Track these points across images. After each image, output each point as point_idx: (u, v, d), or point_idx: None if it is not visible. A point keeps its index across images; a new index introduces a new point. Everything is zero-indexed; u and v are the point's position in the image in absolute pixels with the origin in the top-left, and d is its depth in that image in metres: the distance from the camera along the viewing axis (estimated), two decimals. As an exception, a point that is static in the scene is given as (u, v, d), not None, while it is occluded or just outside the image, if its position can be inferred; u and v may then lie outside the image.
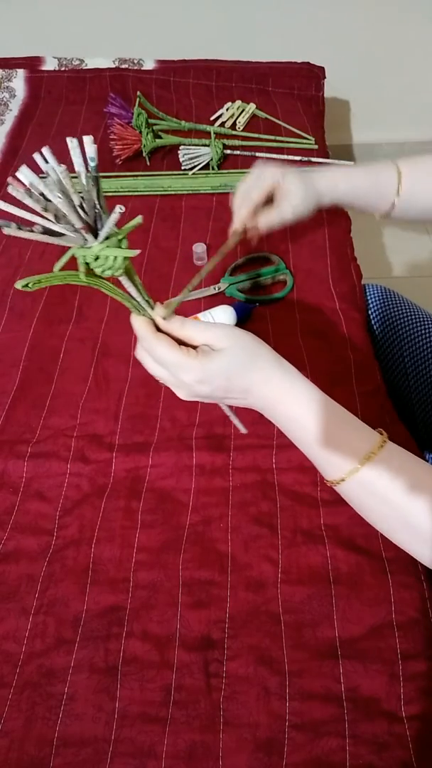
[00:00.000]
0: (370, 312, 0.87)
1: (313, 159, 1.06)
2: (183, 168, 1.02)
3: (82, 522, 0.61)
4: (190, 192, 0.99)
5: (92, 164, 0.34)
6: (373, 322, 0.86)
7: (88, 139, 0.34)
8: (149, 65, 1.29)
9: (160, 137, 1.07)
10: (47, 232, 0.36)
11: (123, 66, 1.28)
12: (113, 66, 1.28)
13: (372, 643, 0.52)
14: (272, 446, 0.66)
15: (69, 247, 0.38)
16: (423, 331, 0.83)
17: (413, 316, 0.85)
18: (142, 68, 1.28)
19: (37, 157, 0.34)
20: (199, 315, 0.75)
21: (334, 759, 0.47)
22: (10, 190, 0.33)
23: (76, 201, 0.35)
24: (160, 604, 0.55)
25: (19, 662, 0.53)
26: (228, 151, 1.07)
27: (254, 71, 1.25)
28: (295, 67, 1.26)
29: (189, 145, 1.06)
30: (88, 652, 0.53)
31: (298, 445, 0.46)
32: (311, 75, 1.26)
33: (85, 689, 0.51)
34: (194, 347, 0.45)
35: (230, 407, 0.53)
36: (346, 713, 0.49)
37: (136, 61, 1.29)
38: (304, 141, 1.11)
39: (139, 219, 0.39)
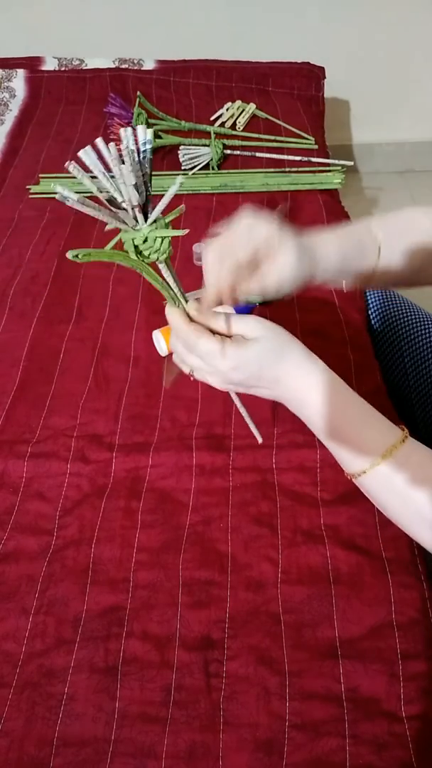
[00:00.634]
0: (370, 312, 0.87)
1: (313, 159, 1.06)
2: (183, 168, 1.02)
3: (82, 522, 0.61)
4: (190, 192, 0.99)
5: (148, 146, 0.36)
6: (373, 322, 0.86)
7: (142, 127, 0.36)
8: (149, 65, 1.29)
9: (160, 137, 1.07)
10: (105, 206, 0.37)
11: (123, 66, 1.28)
12: (113, 66, 1.28)
13: (372, 643, 0.52)
14: (272, 446, 0.66)
15: (114, 236, 0.39)
16: (423, 331, 0.83)
17: (413, 316, 0.85)
18: (142, 68, 1.28)
19: (99, 141, 0.35)
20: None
21: (334, 759, 0.47)
22: (71, 169, 0.34)
23: (133, 181, 0.36)
24: (160, 604, 0.55)
25: (19, 662, 0.53)
26: (228, 151, 1.07)
27: (254, 71, 1.25)
28: (295, 67, 1.26)
29: (189, 145, 1.06)
30: (88, 652, 0.53)
31: (320, 436, 0.47)
32: (311, 75, 1.26)
33: (85, 689, 0.51)
34: (228, 336, 0.46)
35: (250, 416, 0.55)
36: (346, 713, 0.49)
37: (136, 61, 1.29)
38: (304, 141, 1.11)
39: (182, 207, 0.41)
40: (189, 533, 0.60)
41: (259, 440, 0.58)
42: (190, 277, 0.85)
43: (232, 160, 1.07)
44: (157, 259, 0.42)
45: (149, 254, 0.41)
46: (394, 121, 1.77)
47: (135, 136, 0.36)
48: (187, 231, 0.40)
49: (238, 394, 0.53)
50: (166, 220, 0.40)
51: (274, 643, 0.53)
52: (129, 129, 0.36)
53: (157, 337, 0.74)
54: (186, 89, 1.23)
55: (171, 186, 0.36)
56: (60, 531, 0.61)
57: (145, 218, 0.39)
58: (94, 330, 0.79)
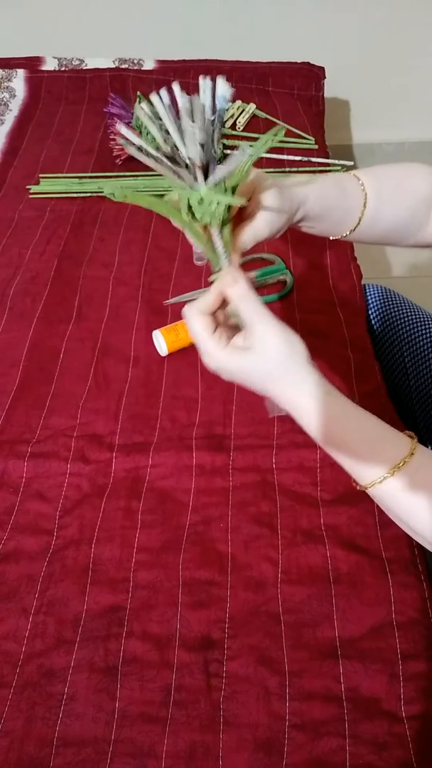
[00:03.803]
0: (370, 312, 0.87)
1: (313, 159, 1.06)
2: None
3: (82, 522, 0.61)
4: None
5: (225, 98, 0.34)
6: (373, 322, 0.86)
7: (222, 80, 0.34)
8: (149, 65, 1.29)
9: (160, 137, 1.07)
10: (165, 161, 0.36)
11: (123, 66, 1.28)
12: (113, 66, 1.28)
13: (372, 643, 0.52)
14: (272, 446, 0.66)
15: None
16: (423, 331, 0.83)
17: (413, 316, 0.85)
18: (142, 68, 1.28)
19: (175, 87, 0.34)
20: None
21: (334, 759, 0.47)
22: (138, 112, 0.33)
23: (200, 138, 0.34)
24: (160, 604, 0.55)
25: (19, 662, 0.53)
26: (228, 151, 1.07)
27: (254, 71, 1.25)
28: (295, 67, 1.26)
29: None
30: (88, 652, 0.53)
31: (329, 448, 0.47)
32: (311, 75, 1.26)
33: (85, 689, 0.51)
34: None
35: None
36: (346, 713, 0.49)
37: (136, 61, 1.29)
38: (304, 141, 1.11)
39: (280, 128, 0.40)
40: (189, 533, 0.60)
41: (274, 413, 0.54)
42: (191, 277, 0.85)
43: (232, 160, 1.07)
44: (209, 222, 0.40)
45: (201, 216, 0.39)
46: (394, 121, 1.77)
47: (213, 89, 0.34)
48: (244, 201, 0.38)
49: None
50: (228, 186, 0.38)
51: (274, 643, 0.53)
52: (208, 79, 0.34)
53: (157, 337, 0.74)
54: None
55: (238, 152, 0.35)
56: (60, 531, 0.61)
57: (206, 179, 0.37)
58: (94, 330, 0.79)
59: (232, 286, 0.45)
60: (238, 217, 0.50)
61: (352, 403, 0.46)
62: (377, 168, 0.57)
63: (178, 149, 0.36)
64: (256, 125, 1.15)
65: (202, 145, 0.35)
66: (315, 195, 0.52)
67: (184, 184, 0.38)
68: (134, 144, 0.34)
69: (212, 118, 0.34)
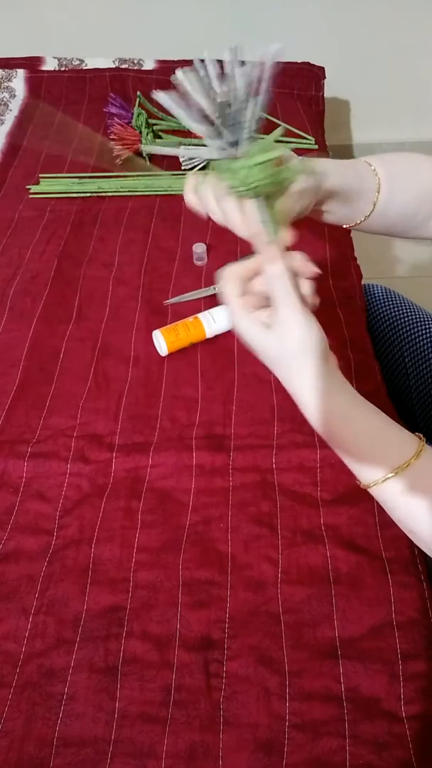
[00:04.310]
0: (370, 312, 0.87)
1: (313, 159, 1.06)
2: (183, 168, 1.02)
3: (82, 522, 0.61)
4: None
5: (270, 71, 0.34)
6: (373, 322, 0.86)
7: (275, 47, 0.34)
8: (149, 65, 1.29)
9: (160, 137, 1.07)
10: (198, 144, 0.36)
11: (123, 66, 1.28)
12: (113, 66, 1.28)
13: (372, 643, 0.52)
14: (272, 446, 0.66)
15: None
16: (423, 331, 0.83)
17: (413, 316, 0.85)
18: (142, 68, 1.28)
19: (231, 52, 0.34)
20: (199, 315, 0.75)
21: (334, 759, 0.47)
22: (180, 76, 0.33)
23: (250, 113, 0.34)
24: (160, 604, 0.55)
25: (19, 662, 0.53)
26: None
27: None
28: (295, 67, 1.26)
29: (189, 145, 1.06)
30: (88, 652, 0.53)
31: (334, 445, 0.47)
32: (311, 75, 1.26)
33: (85, 689, 0.51)
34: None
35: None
36: (346, 713, 0.49)
37: (136, 61, 1.29)
38: (304, 141, 1.11)
39: (281, 150, 0.40)
40: (189, 533, 0.60)
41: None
42: (191, 277, 0.85)
43: (232, 160, 1.07)
44: (246, 193, 0.40)
45: (237, 187, 0.39)
46: (394, 121, 1.77)
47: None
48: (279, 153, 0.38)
49: None
50: (268, 156, 0.38)
51: (274, 643, 0.53)
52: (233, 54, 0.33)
53: (157, 337, 0.74)
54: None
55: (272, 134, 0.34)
56: (60, 531, 0.61)
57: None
58: (94, 330, 0.79)
59: (271, 263, 0.44)
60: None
61: (363, 401, 0.46)
62: (386, 155, 0.57)
63: (225, 119, 0.36)
64: (256, 125, 1.14)
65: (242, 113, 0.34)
66: (335, 171, 0.52)
67: (226, 153, 0.38)
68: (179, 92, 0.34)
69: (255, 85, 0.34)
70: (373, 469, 0.44)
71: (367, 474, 0.44)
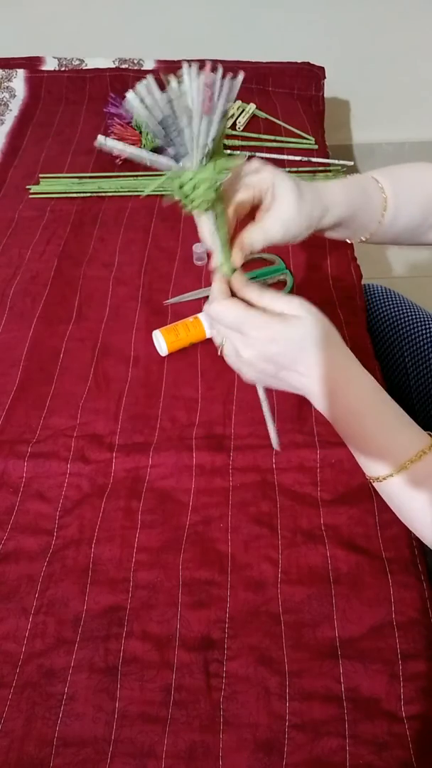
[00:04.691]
0: (370, 312, 0.87)
1: (313, 159, 1.06)
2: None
3: (82, 522, 0.61)
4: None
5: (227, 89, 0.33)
6: (373, 322, 0.86)
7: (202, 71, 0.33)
8: (149, 65, 1.29)
9: (160, 137, 1.07)
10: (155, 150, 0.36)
11: (123, 66, 1.28)
12: (113, 66, 1.28)
13: (372, 643, 0.52)
14: (272, 446, 0.66)
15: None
16: (423, 331, 0.83)
17: (413, 316, 0.85)
18: (142, 68, 1.28)
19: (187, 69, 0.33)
20: (199, 315, 0.75)
21: (334, 759, 0.47)
22: (139, 89, 0.32)
23: (200, 130, 0.34)
24: (160, 604, 0.55)
25: (19, 662, 0.53)
26: (228, 152, 1.07)
27: (254, 71, 1.25)
28: (295, 67, 1.26)
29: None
30: (88, 652, 0.53)
31: (343, 436, 0.46)
32: (311, 75, 1.26)
33: (85, 689, 0.51)
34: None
35: (273, 420, 0.53)
36: (346, 713, 0.49)
37: (136, 61, 1.29)
38: (304, 141, 1.11)
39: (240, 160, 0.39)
40: (189, 533, 0.60)
41: (276, 448, 0.56)
42: (190, 277, 0.85)
43: (232, 160, 1.07)
44: (198, 206, 0.39)
45: (189, 198, 0.38)
46: (394, 121, 1.77)
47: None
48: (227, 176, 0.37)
49: (266, 393, 0.51)
50: (217, 164, 0.37)
51: (274, 643, 0.53)
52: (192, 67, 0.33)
53: (157, 337, 0.74)
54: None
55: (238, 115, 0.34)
56: (60, 531, 0.61)
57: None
58: (94, 330, 0.79)
59: (246, 287, 0.44)
60: (249, 217, 0.48)
61: (377, 391, 0.45)
62: (391, 169, 0.56)
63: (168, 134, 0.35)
64: (256, 125, 1.15)
65: (165, 125, 0.34)
66: (344, 201, 0.51)
67: (177, 166, 0.37)
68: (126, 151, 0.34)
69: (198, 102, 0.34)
70: (379, 464, 0.44)
71: (374, 468, 0.44)
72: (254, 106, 1.17)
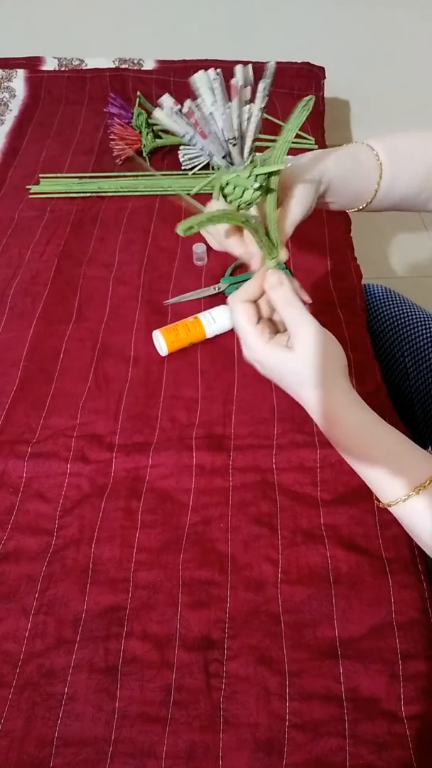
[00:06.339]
0: (370, 312, 0.87)
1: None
2: (183, 168, 1.02)
3: (82, 522, 0.61)
4: (191, 192, 0.99)
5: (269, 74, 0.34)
6: (373, 322, 0.86)
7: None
8: (149, 65, 1.29)
9: (160, 137, 1.07)
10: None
11: (123, 66, 1.28)
12: (113, 66, 1.28)
13: (372, 643, 0.52)
14: (272, 446, 0.66)
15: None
16: (423, 331, 0.83)
17: (413, 316, 0.85)
18: (142, 68, 1.28)
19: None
20: (199, 315, 0.75)
21: (334, 759, 0.47)
22: (194, 81, 0.34)
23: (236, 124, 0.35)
24: (160, 604, 0.55)
25: (19, 662, 0.53)
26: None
27: (254, 71, 1.25)
28: (295, 67, 1.26)
29: (189, 145, 1.06)
30: (88, 652, 0.53)
31: (350, 463, 0.47)
32: (311, 75, 1.26)
33: (85, 689, 0.51)
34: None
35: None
36: (346, 713, 0.49)
37: (136, 61, 1.29)
38: (304, 141, 1.11)
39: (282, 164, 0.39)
40: (189, 533, 0.60)
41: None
42: (190, 277, 0.85)
43: (232, 160, 1.07)
44: (239, 207, 0.40)
45: (232, 201, 0.39)
46: (394, 121, 1.77)
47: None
48: (282, 166, 0.37)
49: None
50: (262, 169, 0.38)
51: (274, 643, 0.53)
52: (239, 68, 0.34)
53: (157, 337, 0.74)
54: (186, 89, 1.23)
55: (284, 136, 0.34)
56: (60, 531, 0.61)
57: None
58: (94, 330, 0.79)
59: (276, 289, 0.45)
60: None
61: (381, 419, 0.46)
62: (389, 137, 0.56)
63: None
64: (256, 125, 1.14)
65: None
66: (334, 165, 0.51)
67: (227, 166, 0.38)
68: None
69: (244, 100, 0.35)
70: (396, 486, 0.43)
71: (390, 492, 0.44)
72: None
